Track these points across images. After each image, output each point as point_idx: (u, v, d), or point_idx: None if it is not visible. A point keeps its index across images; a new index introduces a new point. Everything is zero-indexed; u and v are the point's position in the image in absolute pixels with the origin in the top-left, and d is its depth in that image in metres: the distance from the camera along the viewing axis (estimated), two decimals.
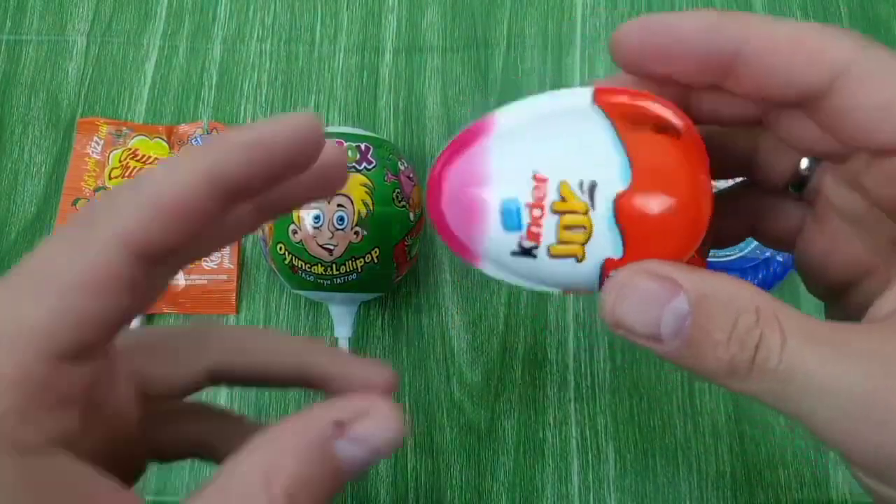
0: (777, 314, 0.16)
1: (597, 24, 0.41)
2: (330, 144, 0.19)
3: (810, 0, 0.41)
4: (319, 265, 0.31)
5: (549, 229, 0.18)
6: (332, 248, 0.30)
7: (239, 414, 0.24)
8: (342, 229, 0.30)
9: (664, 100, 0.18)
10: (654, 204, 0.18)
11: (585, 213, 0.18)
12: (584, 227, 0.18)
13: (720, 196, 0.22)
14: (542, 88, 0.40)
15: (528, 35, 0.41)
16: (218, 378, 0.22)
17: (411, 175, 0.33)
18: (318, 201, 0.30)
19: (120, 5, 0.41)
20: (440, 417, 0.34)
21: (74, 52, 0.40)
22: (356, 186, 0.31)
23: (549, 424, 0.34)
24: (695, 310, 0.16)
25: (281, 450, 0.17)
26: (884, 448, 0.15)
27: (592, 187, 0.18)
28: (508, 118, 0.19)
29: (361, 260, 0.31)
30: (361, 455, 0.17)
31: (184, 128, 0.38)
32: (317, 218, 0.30)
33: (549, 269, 0.19)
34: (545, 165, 0.18)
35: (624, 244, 0.18)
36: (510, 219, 0.18)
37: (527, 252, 0.18)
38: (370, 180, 0.31)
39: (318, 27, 0.41)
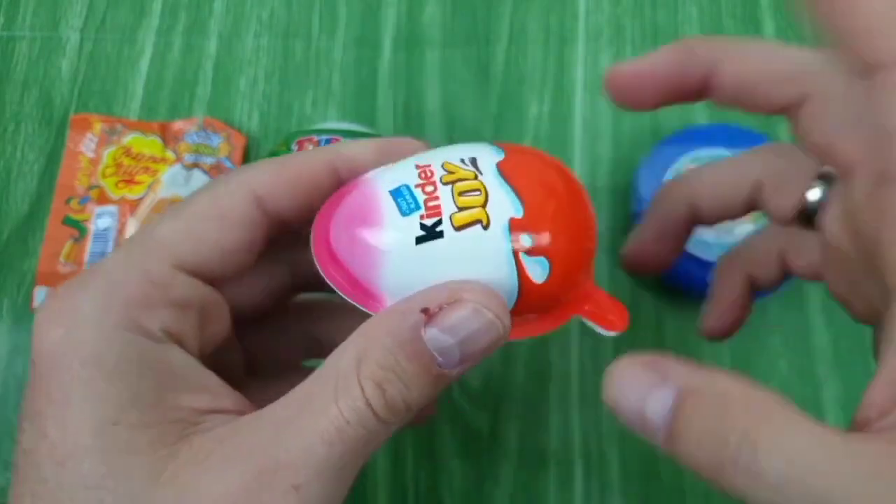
0: (769, 412, 0.15)
1: (599, 18, 0.40)
2: None
3: None
4: None
5: (446, 198, 0.18)
6: None
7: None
8: None
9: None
10: (532, 166, 0.19)
11: (475, 178, 0.18)
12: (479, 191, 0.18)
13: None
14: (543, 84, 0.39)
15: (530, 30, 0.40)
16: (300, 286, 0.23)
17: None
18: None
19: (114, 1, 0.40)
20: (440, 421, 0.34)
21: (68, 49, 0.39)
22: None
23: (552, 428, 0.33)
24: (679, 402, 0.16)
25: (370, 338, 0.17)
26: None
27: (474, 160, 0.19)
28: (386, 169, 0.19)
29: None
30: (453, 345, 0.17)
31: (178, 124, 0.37)
32: None
33: (458, 249, 0.18)
34: (424, 158, 0.19)
35: (521, 201, 0.18)
36: (404, 200, 0.18)
37: (432, 231, 0.18)
38: None
39: (316, 22, 0.40)
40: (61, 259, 0.35)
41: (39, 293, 0.34)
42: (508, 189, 0.18)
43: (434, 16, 0.40)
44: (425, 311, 0.17)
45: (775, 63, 0.19)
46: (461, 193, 0.18)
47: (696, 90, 0.20)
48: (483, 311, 0.17)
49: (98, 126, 0.37)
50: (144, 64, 0.39)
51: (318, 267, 0.19)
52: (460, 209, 0.18)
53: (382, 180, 0.19)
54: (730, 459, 0.15)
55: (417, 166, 0.18)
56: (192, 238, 0.19)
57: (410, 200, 0.18)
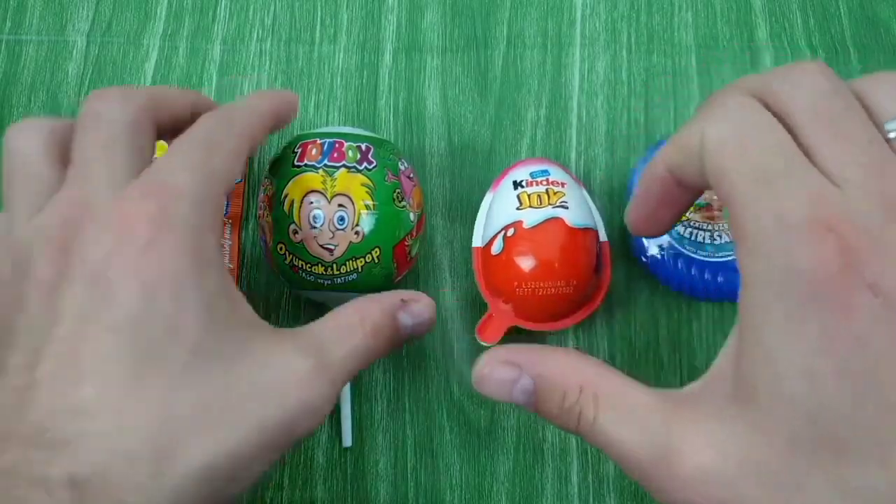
0: (597, 391, 0.22)
1: (596, 23, 0.41)
2: None
3: (810, 1, 0.41)
4: (320, 265, 0.31)
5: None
6: (332, 248, 0.31)
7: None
8: (343, 229, 0.30)
9: None
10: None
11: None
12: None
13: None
14: (541, 89, 0.40)
15: (528, 35, 0.41)
16: None
17: (411, 175, 0.33)
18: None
19: (120, 5, 0.41)
20: (440, 417, 0.34)
21: (74, 52, 0.40)
22: (357, 186, 0.31)
23: (549, 425, 0.34)
24: (536, 387, 0.23)
25: (369, 306, 0.26)
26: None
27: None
28: None
29: (362, 260, 0.31)
30: (411, 325, 0.27)
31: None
32: (317, 218, 0.30)
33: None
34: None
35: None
36: None
37: None
38: (371, 180, 0.31)
39: (318, 27, 0.41)
40: None
41: None
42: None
43: (434, 22, 0.41)
44: (404, 300, 0.27)
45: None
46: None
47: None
48: (431, 309, 0.28)
49: None
50: (150, 68, 0.40)
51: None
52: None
53: None
54: (572, 425, 0.22)
55: None
56: (231, 167, 0.26)
57: None
